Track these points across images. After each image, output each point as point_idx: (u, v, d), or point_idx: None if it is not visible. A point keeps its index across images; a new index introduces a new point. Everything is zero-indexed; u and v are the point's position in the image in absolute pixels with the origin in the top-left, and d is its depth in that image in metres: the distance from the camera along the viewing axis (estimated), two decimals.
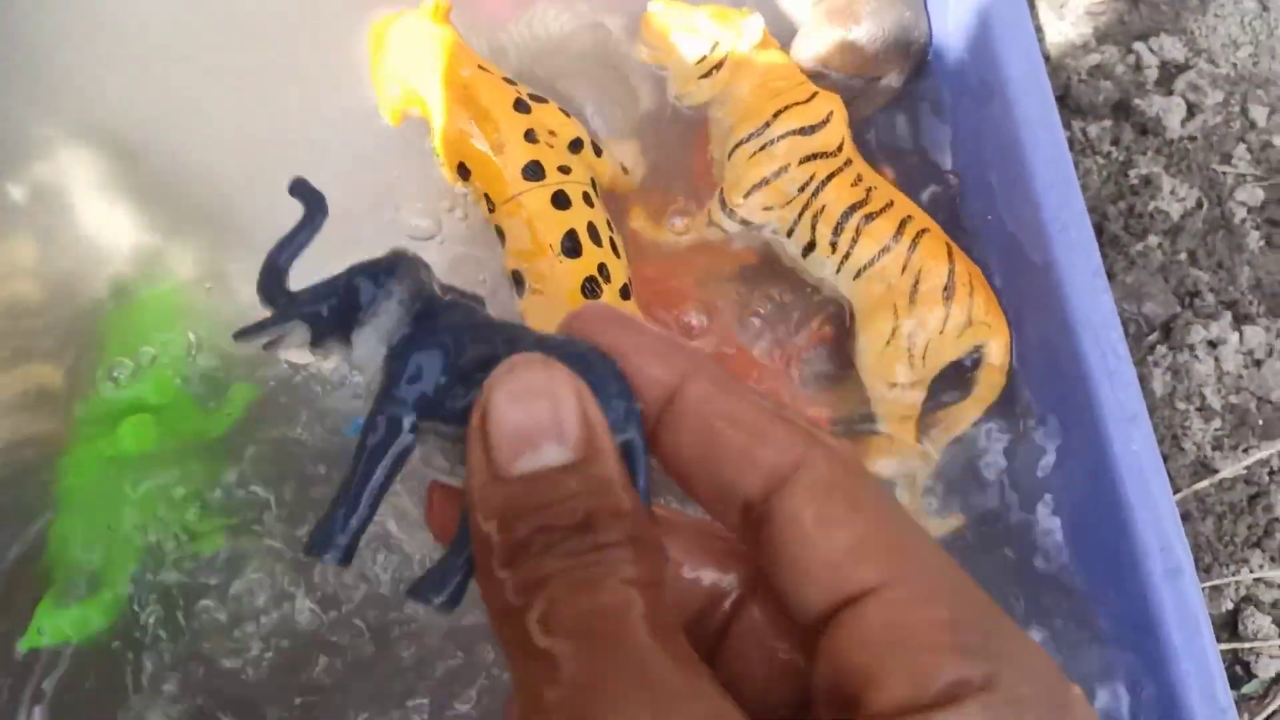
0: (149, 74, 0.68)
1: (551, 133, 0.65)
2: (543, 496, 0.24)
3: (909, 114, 0.76)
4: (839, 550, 0.24)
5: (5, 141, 0.66)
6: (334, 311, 0.28)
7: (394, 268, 0.28)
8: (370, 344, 0.28)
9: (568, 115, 0.67)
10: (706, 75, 0.69)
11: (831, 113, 0.68)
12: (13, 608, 0.59)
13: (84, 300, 0.64)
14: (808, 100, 0.68)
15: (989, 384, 0.68)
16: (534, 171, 0.64)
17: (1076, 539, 0.66)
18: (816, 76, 0.72)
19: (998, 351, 0.67)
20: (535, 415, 0.24)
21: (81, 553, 0.59)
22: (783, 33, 0.74)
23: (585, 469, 0.24)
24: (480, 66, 0.66)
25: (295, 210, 0.28)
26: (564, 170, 0.64)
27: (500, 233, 0.65)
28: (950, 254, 0.67)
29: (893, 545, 0.25)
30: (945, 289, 0.66)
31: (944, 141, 0.75)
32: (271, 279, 0.28)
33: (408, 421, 0.27)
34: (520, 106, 0.65)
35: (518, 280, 0.65)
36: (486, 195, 0.65)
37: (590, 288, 0.63)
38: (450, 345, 0.27)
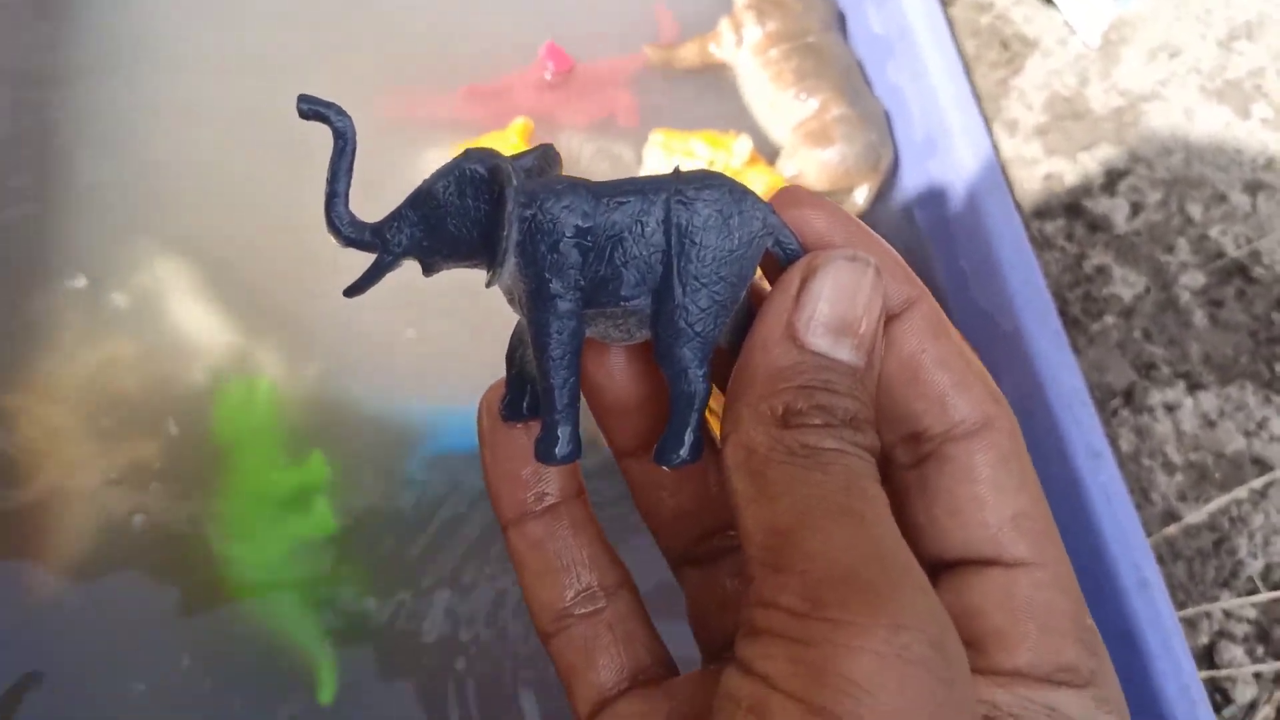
0: (232, 191, 0.80)
1: None
2: (825, 378, 0.26)
3: (888, 215, 0.87)
4: (1004, 516, 0.27)
5: (111, 254, 0.76)
6: (432, 234, 0.29)
7: (498, 182, 0.28)
8: (509, 265, 0.28)
9: None
10: None
11: None
12: None
13: (179, 390, 0.73)
14: None
15: None
16: None
17: None
18: None
19: None
20: (847, 311, 0.26)
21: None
22: (767, 152, 0.86)
23: (862, 376, 0.26)
24: None
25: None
26: None
27: None
28: None
29: (1046, 531, 0.27)
30: None
31: (919, 235, 0.86)
32: (340, 218, 0.29)
33: (574, 315, 0.28)
34: None
35: None
36: None
37: None
38: (582, 228, 0.27)
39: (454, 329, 0.76)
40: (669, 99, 0.89)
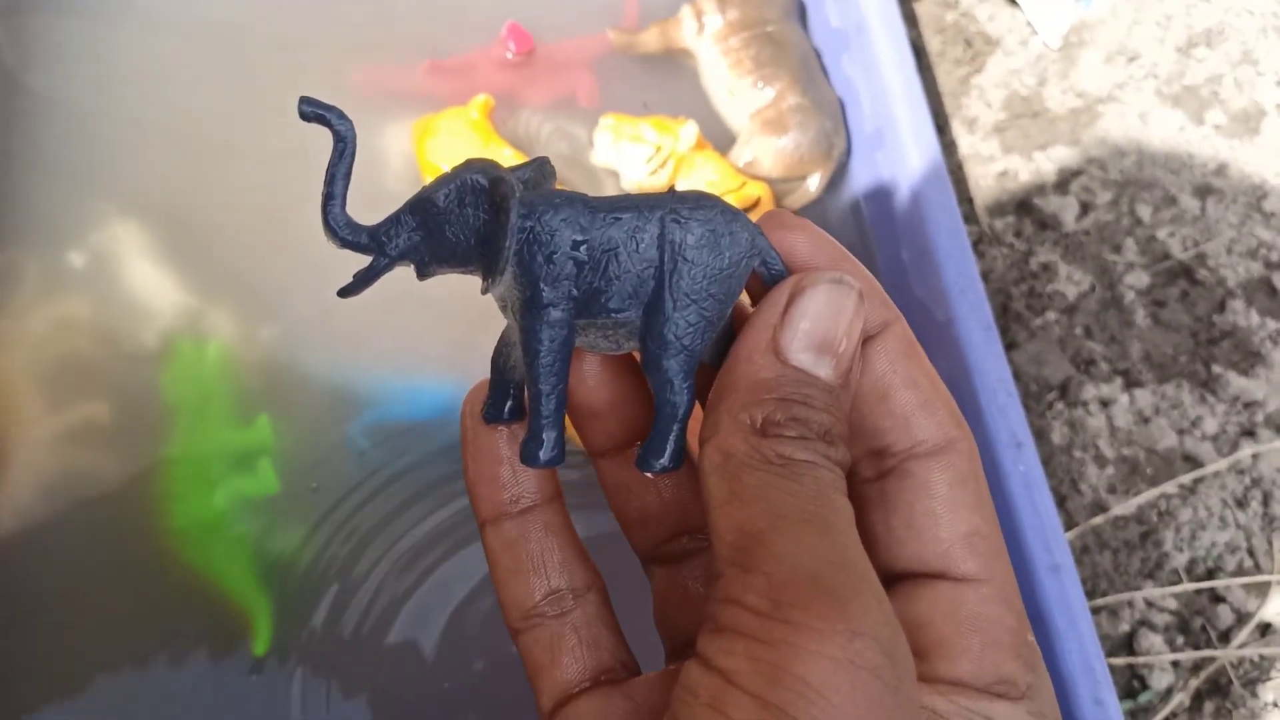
0: (193, 154, 0.81)
1: None
2: (804, 393, 0.27)
3: (836, 204, 0.89)
4: (957, 533, 0.28)
5: (67, 215, 0.78)
6: (429, 240, 0.30)
7: (499, 193, 0.28)
8: (507, 276, 0.29)
9: None
10: (654, 174, 0.82)
11: (759, 198, 0.81)
12: None
13: (131, 351, 0.75)
14: (739, 188, 0.81)
15: None
16: None
17: None
18: (751, 177, 0.85)
19: None
20: (830, 331, 0.28)
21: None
22: (726, 139, 0.88)
23: (838, 394, 0.28)
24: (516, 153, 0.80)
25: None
26: None
27: None
28: None
29: (996, 550, 0.29)
30: None
31: (864, 224, 0.88)
32: (337, 221, 0.29)
33: (565, 325, 0.29)
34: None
35: None
36: None
37: None
38: (578, 241, 0.28)
39: (406, 300, 0.78)
40: (630, 83, 0.91)
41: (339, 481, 0.74)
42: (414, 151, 0.82)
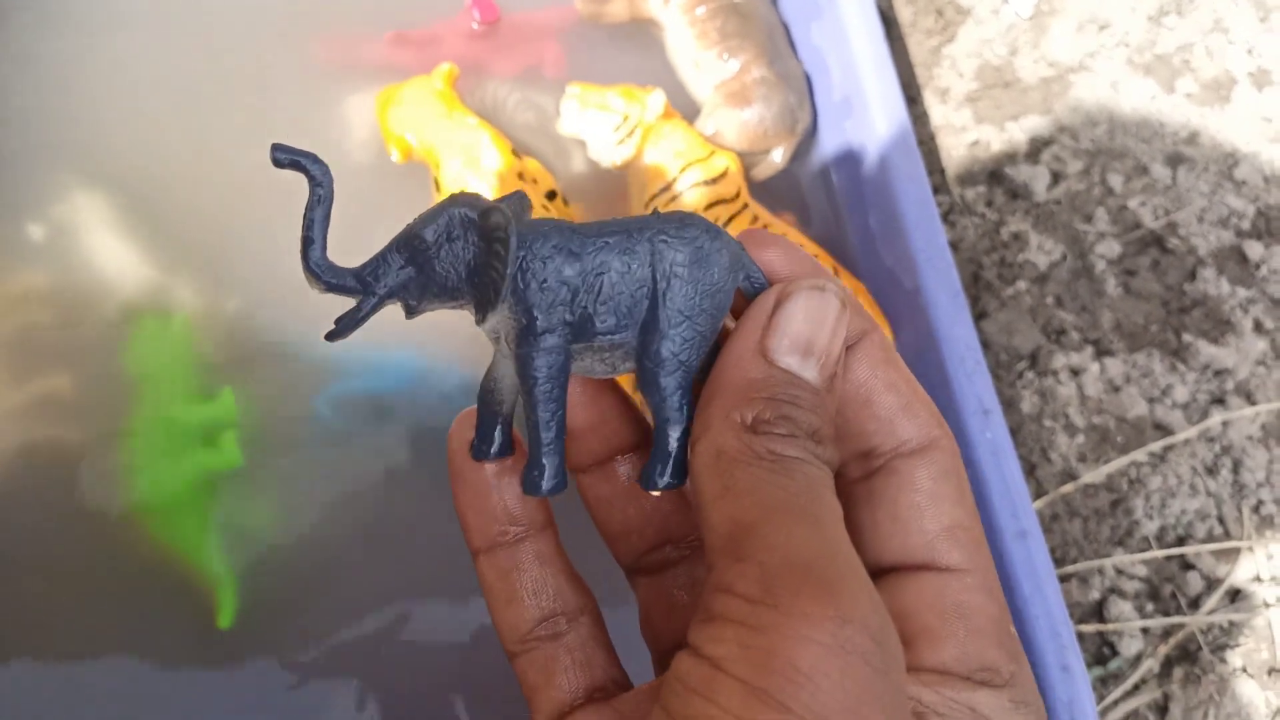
0: (156, 126, 0.80)
1: (534, 180, 0.78)
2: (792, 394, 0.28)
3: (806, 173, 0.89)
4: (940, 525, 0.30)
5: (28, 185, 0.77)
6: (419, 277, 0.29)
7: (491, 224, 0.28)
8: (501, 310, 0.29)
9: (547, 170, 0.80)
10: (621, 142, 0.81)
11: (728, 167, 0.80)
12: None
13: (93, 324, 0.74)
14: (708, 157, 0.80)
15: None
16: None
17: None
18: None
19: None
20: (815, 335, 0.29)
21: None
22: (689, 110, 0.87)
23: (822, 395, 0.29)
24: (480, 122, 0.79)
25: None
26: (545, 210, 0.76)
27: None
28: (835, 272, 0.78)
29: (978, 542, 0.30)
30: None
31: (834, 194, 0.87)
32: (319, 265, 0.29)
33: (561, 351, 0.29)
34: (516, 154, 0.77)
35: None
36: None
37: None
38: (570, 268, 0.29)
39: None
40: (596, 53, 0.90)
41: (304, 454, 0.73)
42: (378, 122, 0.81)
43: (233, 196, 0.79)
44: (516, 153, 0.78)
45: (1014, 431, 0.85)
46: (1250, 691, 0.79)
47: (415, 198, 0.80)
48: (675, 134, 0.81)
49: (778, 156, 0.87)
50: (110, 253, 0.76)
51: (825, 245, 0.81)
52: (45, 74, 0.82)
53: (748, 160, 0.87)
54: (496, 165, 0.75)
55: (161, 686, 0.66)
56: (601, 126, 0.81)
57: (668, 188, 0.80)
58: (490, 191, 0.74)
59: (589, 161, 0.84)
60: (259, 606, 0.69)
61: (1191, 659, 0.81)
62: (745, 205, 0.80)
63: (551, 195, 0.79)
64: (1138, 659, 0.80)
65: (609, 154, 0.82)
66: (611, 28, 0.91)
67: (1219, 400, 0.89)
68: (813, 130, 0.89)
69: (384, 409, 0.75)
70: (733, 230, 0.79)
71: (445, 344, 0.76)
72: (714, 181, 0.80)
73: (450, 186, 0.76)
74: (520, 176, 0.76)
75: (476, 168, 0.76)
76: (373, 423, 0.75)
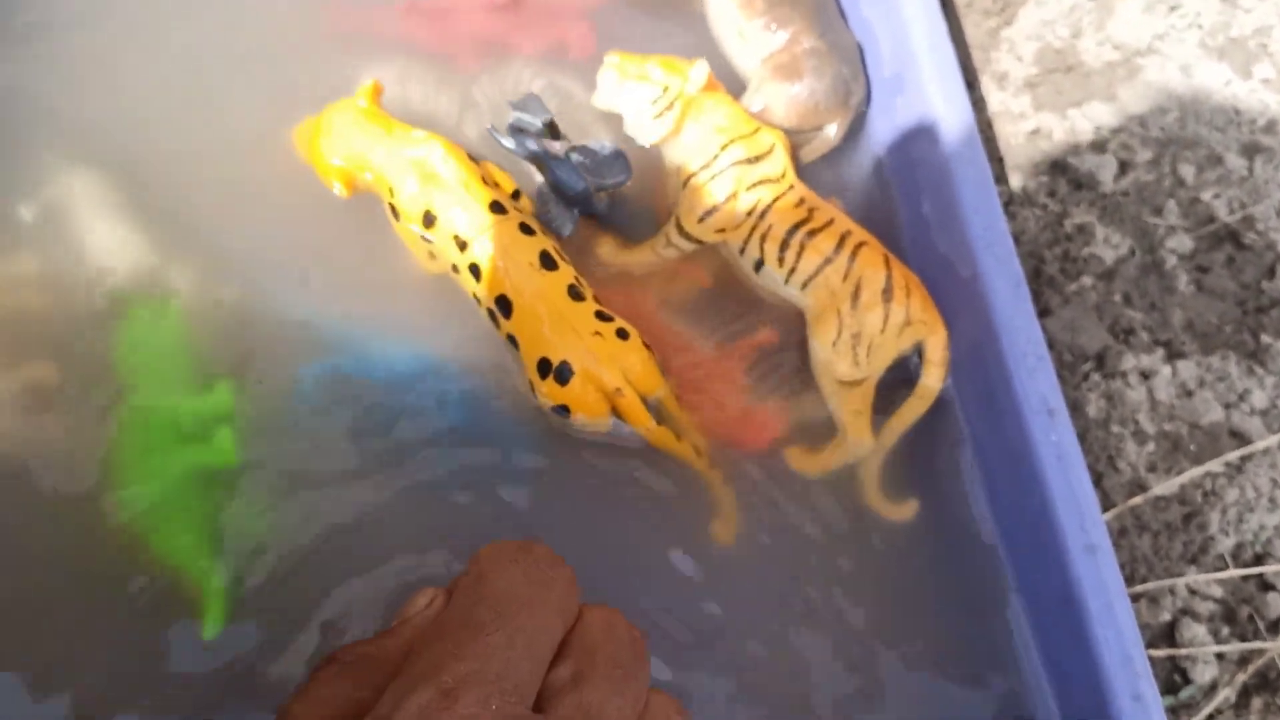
0: (151, 108, 0.75)
1: (496, 184, 0.72)
2: None
3: (853, 155, 0.82)
4: None
5: (18, 166, 0.72)
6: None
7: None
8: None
9: (503, 171, 0.74)
10: (659, 116, 0.75)
11: (774, 144, 0.74)
12: None
13: (82, 310, 0.69)
14: (752, 134, 0.74)
15: (932, 378, 0.72)
16: (499, 207, 0.69)
17: (1002, 521, 0.70)
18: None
19: (936, 347, 0.72)
20: None
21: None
22: (734, 87, 0.81)
23: None
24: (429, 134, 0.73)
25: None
26: (517, 209, 0.71)
27: (474, 269, 0.69)
28: (888, 262, 0.72)
29: None
30: (884, 292, 0.71)
31: (883, 177, 0.81)
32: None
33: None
34: (472, 158, 0.71)
35: (503, 304, 0.69)
36: (455, 237, 0.70)
37: (575, 292, 0.68)
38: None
39: (370, 252, 0.72)
40: (632, 26, 0.85)
41: (304, 454, 0.68)
42: (307, 159, 0.74)
43: (235, 175, 0.74)
44: (473, 157, 0.72)
45: (1079, 438, 0.78)
46: None
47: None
48: (718, 109, 0.75)
49: (831, 132, 0.81)
50: (102, 236, 0.71)
51: (874, 230, 0.75)
52: (35, 48, 0.77)
53: (796, 139, 0.81)
54: (457, 175, 0.69)
55: (142, 691, 0.61)
56: (640, 98, 0.75)
57: (707, 166, 0.74)
58: (461, 204, 0.69)
59: (624, 136, 0.79)
60: (247, 617, 0.64)
61: (1272, 688, 0.74)
62: (791, 186, 0.74)
63: (516, 195, 0.73)
64: (1213, 687, 0.73)
65: (645, 129, 0.76)
66: (646, 1, 0.86)
67: None
68: (863, 109, 0.83)
69: (371, 406, 0.70)
70: (778, 213, 0.73)
71: (442, 349, 0.72)
72: (758, 160, 0.74)
73: (412, 208, 0.70)
74: (484, 180, 0.70)
75: (436, 182, 0.70)
76: (353, 408, 0.69)
